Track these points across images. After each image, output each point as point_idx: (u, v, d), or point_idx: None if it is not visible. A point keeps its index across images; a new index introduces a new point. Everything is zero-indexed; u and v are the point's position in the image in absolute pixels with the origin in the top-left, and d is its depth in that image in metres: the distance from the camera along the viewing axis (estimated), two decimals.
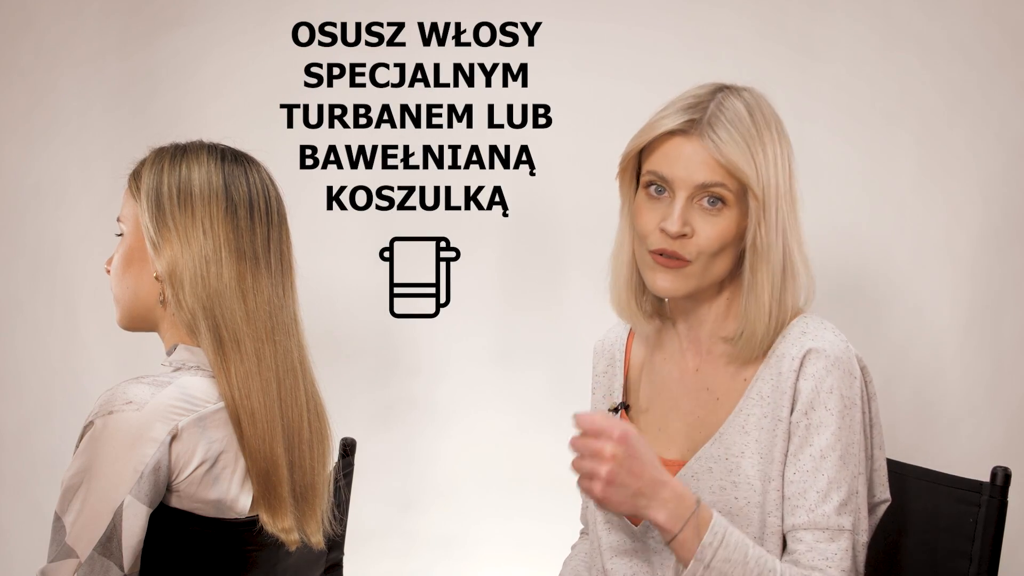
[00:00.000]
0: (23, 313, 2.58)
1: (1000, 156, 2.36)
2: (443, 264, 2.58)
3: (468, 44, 2.54)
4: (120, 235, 1.53)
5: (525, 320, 2.54)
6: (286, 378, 1.50)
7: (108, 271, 1.55)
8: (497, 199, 2.55)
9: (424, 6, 2.54)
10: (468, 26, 2.54)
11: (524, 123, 2.54)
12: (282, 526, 1.48)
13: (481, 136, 2.55)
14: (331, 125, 2.57)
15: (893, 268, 2.41)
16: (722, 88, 1.57)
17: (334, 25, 2.56)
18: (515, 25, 2.53)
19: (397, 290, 2.59)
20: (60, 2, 2.56)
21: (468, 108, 2.55)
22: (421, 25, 2.54)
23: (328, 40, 2.56)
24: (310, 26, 2.56)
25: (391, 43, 2.55)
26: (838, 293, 2.41)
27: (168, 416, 1.39)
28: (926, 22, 2.38)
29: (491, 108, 2.54)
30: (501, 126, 2.54)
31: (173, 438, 1.39)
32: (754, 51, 2.42)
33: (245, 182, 1.51)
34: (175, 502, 1.41)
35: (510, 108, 2.54)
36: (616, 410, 1.68)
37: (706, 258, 1.53)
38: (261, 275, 1.49)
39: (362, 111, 2.57)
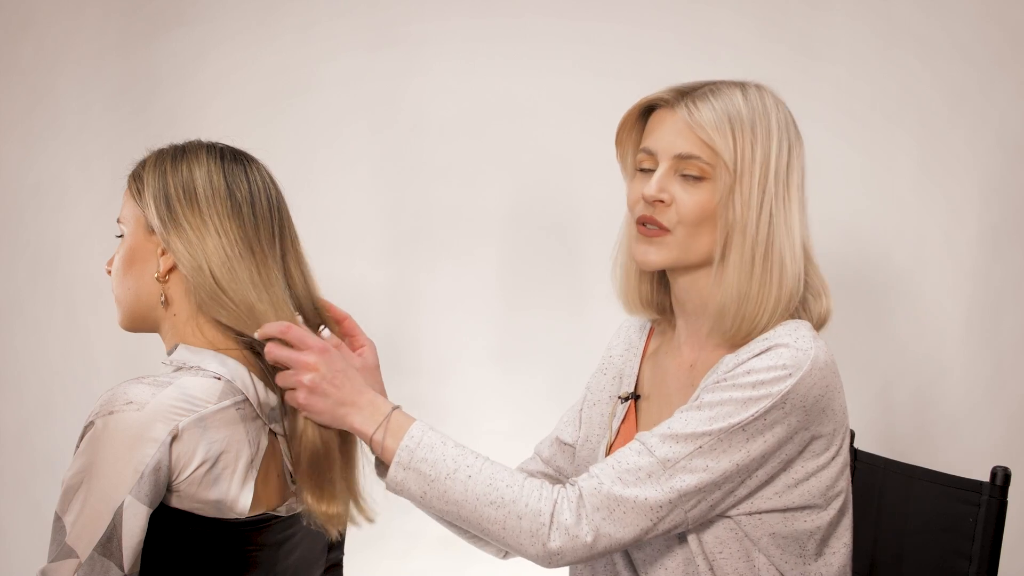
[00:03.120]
0: (23, 313, 2.58)
1: (1000, 156, 2.36)
2: (444, 264, 2.59)
3: (469, 44, 2.54)
4: (120, 236, 1.53)
5: (525, 321, 2.54)
6: None
7: (109, 272, 1.55)
8: (498, 199, 2.55)
9: (424, 6, 2.55)
10: (469, 26, 2.54)
11: (525, 122, 2.54)
12: (331, 511, 1.49)
13: (482, 136, 2.55)
14: (331, 125, 2.57)
15: (893, 268, 2.41)
16: (734, 82, 1.60)
17: (334, 25, 2.56)
18: (515, 25, 2.53)
19: (397, 290, 2.59)
20: (60, 2, 2.56)
21: (469, 108, 2.55)
22: (421, 26, 2.54)
23: (328, 40, 2.57)
24: (310, 26, 2.56)
25: (391, 43, 2.55)
26: (838, 293, 2.41)
27: (169, 416, 1.39)
28: (926, 22, 2.38)
29: (492, 108, 2.54)
30: (502, 126, 2.54)
31: (174, 438, 1.39)
32: (754, 51, 2.43)
33: (246, 181, 1.51)
34: (175, 502, 1.42)
35: (510, 108, 2.54)
36: (626, 399, 1.68)
37: (685, 229, 1.55)
38: (270, 269, 1.49)
39: (362, 111, 2.57)
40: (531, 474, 1.80)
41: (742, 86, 1.59)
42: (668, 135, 1.56)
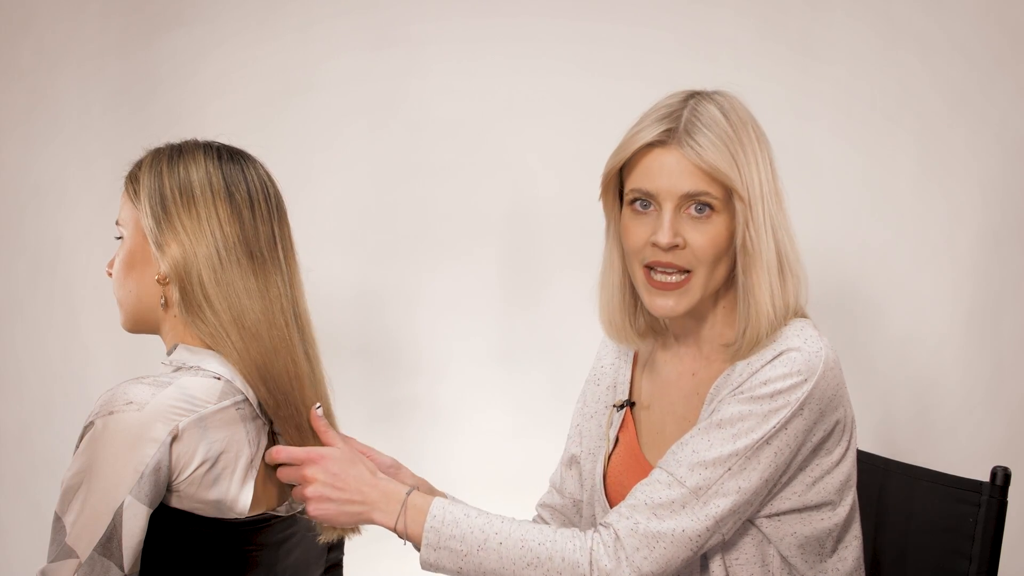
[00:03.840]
0: (23, 313, 2.58)
1: (1000, 156, 2.35)
2: (444, 264, 2.58)
3: (469, 44, 2.54)
4: (119, 238, 1.53)
5: (526, 320, 2.54)
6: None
7: (109, 274, 1.54)
8: (498, 199, 2.55)
9: (424, 6, 2.54)
10: (469, 26, 2.54)
11: (524, 123, 2.54)
12: None
13: (482, 135, 2.55)
14: (331, 125, 2.57)
15: (893, 268, 2.41)
16: (694, 94, 1.56)
17: (334, 25, 2.56)
18: (515, 25, 2.53)
19: (398, 290, 2.59)
20: (60, 2, 2.56)
21: (469, 108, 2.55)
22: (421, 26, 2.54)
23: (328, 40, 2.56)
24: (310, 26, 2.56)
25: (391, 43, 2.55)
26: (838, 293, 2.42)
27: (169, 416, 1.39)
28: (926, 22, 2.38)
29: (492, 108, 2.54)
30: (502, 126, 2.54)
31: (174, 438, 1.39)
32: (754, 51, 2.43)
33: (244, 180, 1.50)
34: (175, 502, 1.41)
35: (510, 108, 2.54)
36: (622, 407, 1.67)
37: (705, 268, 1.52)
38: (269, 272, 1.49)
39: (362, 111, 2.57)
40: (552, 508, 1.81)
41: (713, 99, 1.54)
42: (669, 175, 1.51)
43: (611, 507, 1.64)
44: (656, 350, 1.69)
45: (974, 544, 1.65)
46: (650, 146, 1.53)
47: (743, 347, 1.53)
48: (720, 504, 1.45)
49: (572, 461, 1.78)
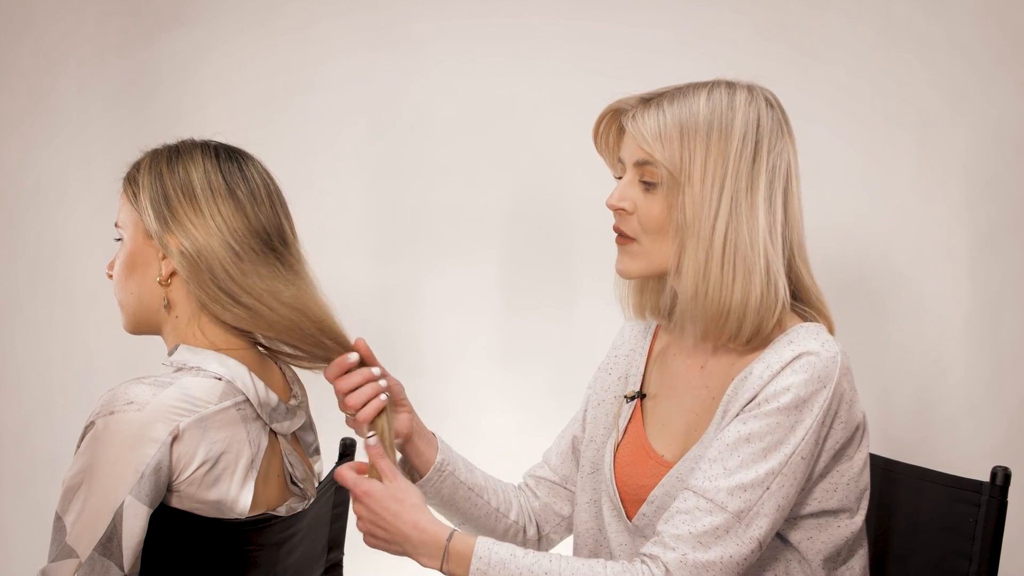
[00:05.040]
0: (23, 313, 2.58)
1: (1000, 156, 2.36)
2: (444, 264, 2.58)
3: (469, 44, 2.54)
4: (118, 240, 1.53)
5: (526, 321, 2.54)
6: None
7: (110, 276, 1.54)
8: (498, 199, 2.55)
9: (424, 6, 2.54)
10: (469, 26, 2.54)
11: (524, 123, 2.54)
12: None
13: (481, 135, 2.55)
14: (331, 125, 2.57)
15: (893, 268, 2.41)
16: (716, 82, 1.58)
17: (334, 25, 2.56)
18: (515, 25, 2.53)
19: (398, 290, 2.59)
20: (60, 2, 2.56)
21: (469, 108, 2.55)
22: (421, 26, 2.54)
23: (328, 40, 2.56)
24: (310, 26, 2.56)
25: (391, 43, 2.55)
26: (838, 293, 2.41)
27: (169, 416, 1.39)
28: (926, 22, 2.38)
29: (491, 108, 2.54)
30: (502, 126, 2.54)
31: (174, 439, 1.39)
32: (754, 51, 2.42)
33: (243, 177, 1.51)
34: (175, 502, 1.41)
35: (511, 108, 2.54)
36: (632, 398, 1.68)
37: (649, 237, 1.56)
38: (278, 264, 1.49)
39: (362, 111, 2.57)
40: (539, 479, 1.81)
41: (711, 87, 1.56)
42: (629, 143, 1.58)
43: (620, 497, 1.64)
44: (672, 342, 1.69)
45: (974, 544, 1.65)
46: (631, 115, 1.58)
47: (684, 327, 1.56)
48: (762, 525, 1.46)
49: (573, 443, 1.79)
